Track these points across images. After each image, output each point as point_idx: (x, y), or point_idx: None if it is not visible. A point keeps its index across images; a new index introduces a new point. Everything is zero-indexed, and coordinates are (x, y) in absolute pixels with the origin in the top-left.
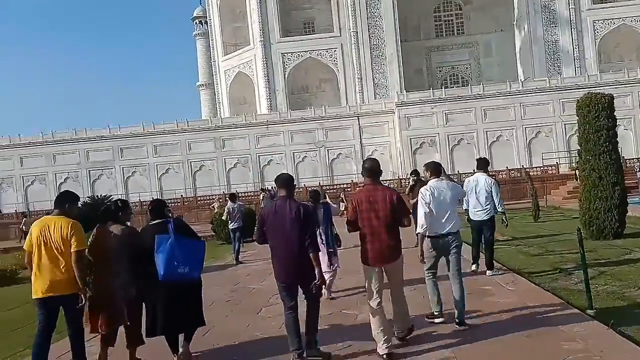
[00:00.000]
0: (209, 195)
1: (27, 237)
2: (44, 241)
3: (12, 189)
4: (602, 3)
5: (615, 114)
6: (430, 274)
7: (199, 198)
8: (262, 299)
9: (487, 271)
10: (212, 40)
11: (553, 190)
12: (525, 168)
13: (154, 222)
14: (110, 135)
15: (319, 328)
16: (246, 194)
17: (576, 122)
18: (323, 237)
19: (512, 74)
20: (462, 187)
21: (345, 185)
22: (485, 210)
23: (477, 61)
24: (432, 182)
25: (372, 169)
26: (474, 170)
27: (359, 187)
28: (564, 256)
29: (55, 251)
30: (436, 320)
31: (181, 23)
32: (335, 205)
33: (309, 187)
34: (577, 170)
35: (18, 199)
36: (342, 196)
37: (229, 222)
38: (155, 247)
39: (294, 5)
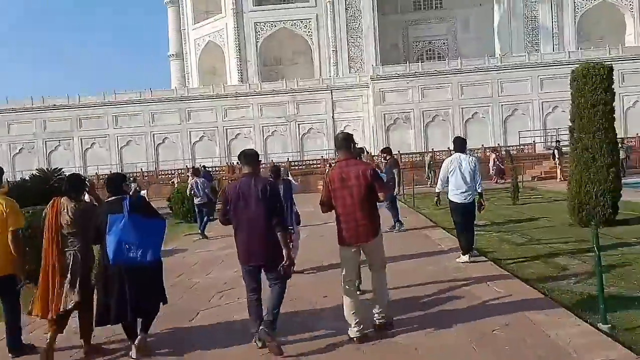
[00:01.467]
0: (172, 170)
1: None
2: None
3: None
4: None
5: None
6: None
7: (160, 172)
8: (202, 299)
9: (463, 256)
10: (182, 6)
11: (529, 170)
12: (501, 147)
13: (109, 199)
14: (68, 105)
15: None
16: (212, 169)
17: (554, 100)
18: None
19: (489, 50)
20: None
21: (315, 161)
22: (470, 192)
23: (454, 36)
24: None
25: (343, 142)
26: (449, 149)
27: (330, 163)
28: (552, 246)
29: None
30: None
31: None
32: (296, 183)
33: (277, 162)
34: (555, 150)
35: None
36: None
37: (195, 197)
38: (107, 229)
39: None
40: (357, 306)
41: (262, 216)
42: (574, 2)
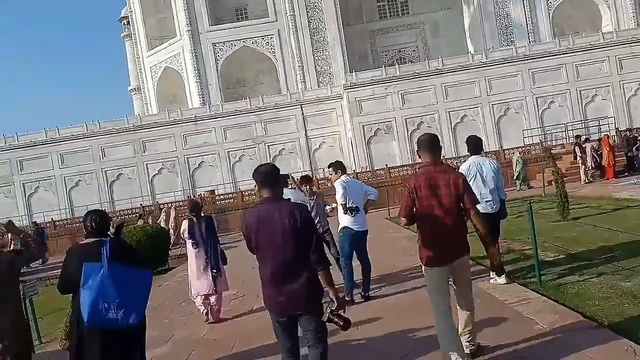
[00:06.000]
0: (129, 209)
1: None
2: None
3: None
4: None
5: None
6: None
7: (117, 212)
8: None
9: (499, 277)
10: (135, 34)
11: (538, 174)
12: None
13: (85, 240)
14: (5, 146)
15: None
16: (174, 205)
17: (549, 94)
18: (207, 256)
19: (462, 54)
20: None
21: (291, 185)
22: (495, 200)
23: (425, 43)
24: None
25: (430, 144)
26: (444, 157)
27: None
28: None
29: None
30: None
31: (111, 25)
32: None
33: (245, 191)
34: (577, 147)
35: None
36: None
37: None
38: (81, 280)
39: None
40: (454, 330)
41: (292, 252)
42: None
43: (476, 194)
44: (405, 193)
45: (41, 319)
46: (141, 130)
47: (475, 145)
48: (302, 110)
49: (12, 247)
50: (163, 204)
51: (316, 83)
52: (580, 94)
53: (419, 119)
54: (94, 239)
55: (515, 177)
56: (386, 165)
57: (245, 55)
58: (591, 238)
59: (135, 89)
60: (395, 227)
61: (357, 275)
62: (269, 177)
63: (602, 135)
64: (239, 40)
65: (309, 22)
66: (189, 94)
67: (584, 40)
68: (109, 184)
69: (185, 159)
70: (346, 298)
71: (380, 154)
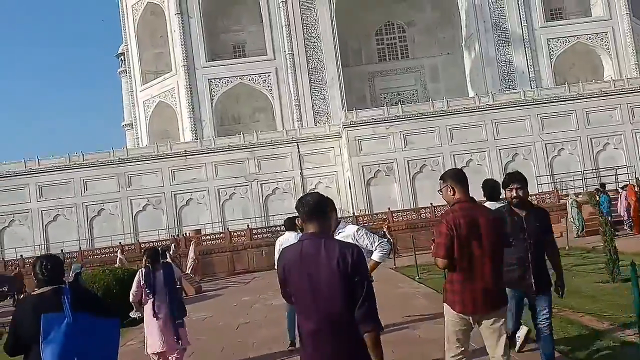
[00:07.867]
0: (110, 247)
1: None
2: None
3: None
4: (556, 20)
5: None
6: None
7: (97, 251)
8: None
9: None
10: (130, 68)
11: (554, 224)
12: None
13: (38, 291)
14: None
15: None
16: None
17: (559, 141)
18: (165, 310)
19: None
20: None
21: (283, 227)
22: None
23: (424, 86)
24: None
25: (462, 177)
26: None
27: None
28: None
29: None
30: None
31: (109, 62)
32: (177, 269)
33: (234, 231)
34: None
35: None
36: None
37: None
38: (41, 335)
39: (222, 28)
40: None
41: (342, 304)
42: (548, 45)
43: None
44: (442, 230)
45: None
46: (127, 164)
47: (492, 189)
48: (298, 148)
49: None
50: (144, 242)
51: (313, 122)
52: (591, 141)
53: (422, 161)
54: (49, 288)
55: (573, 223)
56: (388, 208)
57: (241, 92)
58: None
59: (128, 124)
60: (405, 280)
61: None
62: (316, 208)
63: (621, 185)
64: (235, 77)
65: (307, 61)
66: (181, 129)
67: (594, 87)
68: (89, 220)
69: (172, 195)
70: None
71: (380, 197)
